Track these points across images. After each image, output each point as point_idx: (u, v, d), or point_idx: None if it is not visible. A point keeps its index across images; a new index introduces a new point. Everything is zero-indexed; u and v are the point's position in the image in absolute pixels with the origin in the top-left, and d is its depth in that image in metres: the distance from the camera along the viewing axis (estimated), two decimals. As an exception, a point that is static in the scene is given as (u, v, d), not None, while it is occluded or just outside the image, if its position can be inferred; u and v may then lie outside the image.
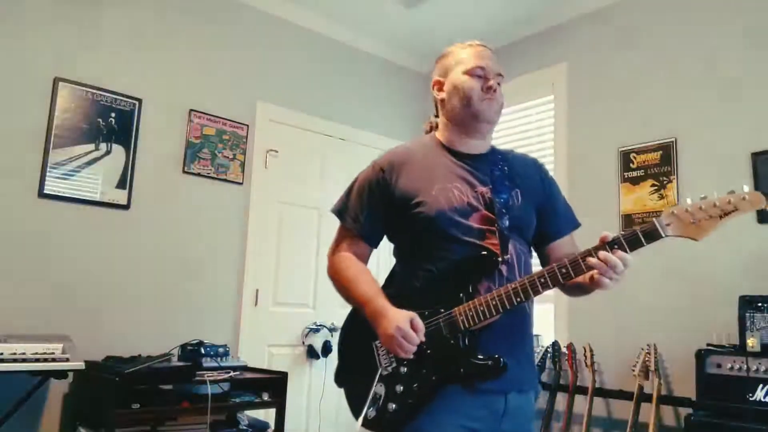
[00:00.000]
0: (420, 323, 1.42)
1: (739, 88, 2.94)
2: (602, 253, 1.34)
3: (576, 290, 1.53)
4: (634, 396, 2.85)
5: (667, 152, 3.15)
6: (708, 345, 2.63)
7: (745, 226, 2.79)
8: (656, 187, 3.17)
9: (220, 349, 3.03)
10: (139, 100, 3.23)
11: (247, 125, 3.64)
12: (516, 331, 1.51)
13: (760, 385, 2.36)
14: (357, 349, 1.55)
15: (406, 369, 1.45)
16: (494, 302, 1.40)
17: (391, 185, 1.56)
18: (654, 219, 1.32)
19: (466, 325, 1.42)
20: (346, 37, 4.16)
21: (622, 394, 2.99)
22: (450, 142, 1.61)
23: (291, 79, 3.87)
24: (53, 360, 2.38)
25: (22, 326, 2.68)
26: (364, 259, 1.64)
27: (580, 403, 3.10)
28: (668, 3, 3.27)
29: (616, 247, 1.35)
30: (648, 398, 2.82)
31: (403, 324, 1.39)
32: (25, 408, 2.57)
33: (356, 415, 1.49)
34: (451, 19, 3.95)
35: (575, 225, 1.67)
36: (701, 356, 2.54)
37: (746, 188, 1.28)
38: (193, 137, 3.41)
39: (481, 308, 1.41)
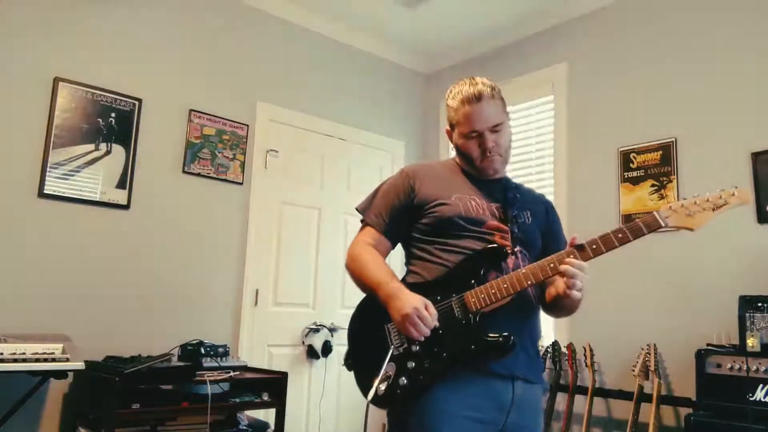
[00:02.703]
0: (433, 308, 1.50)
1: (739, 88, 2.94)
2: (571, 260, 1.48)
3: (557, 309, 1.66)
4: (634, 396, 2.85)
5: (667, 152, 3.15)
6: (708, 345, 2.63)
7: (745, 226, 2.79)
8: (656, 187, 3.17)
9: (220, 349, 3.03)
10: (139, 100, 3.23)
11: (247, 125, 3.64)
12: (523, 319, 1.60)
13: (760, 385, 2.36)
14: (368, 332, 1.61)
15: (417, 347, 1.52)
16: (505, 285, 1.50)
17: (415, 189, 1.69)
18: (654, 212, 1.48)
19: (477, 307, 1.51)
20: (346, 37, 4.16)
21: (622, 394, 3.00)
22: (468, 169, 1.74)
23: (291, 79, 3.87)
24: (53, 360, 2.38)
25: (22, 326, 2.68)
26: (382, 254, 1.71)
27: (580, 403, 3.10)
28: (668, 3, 3.27)
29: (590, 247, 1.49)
30: (648, 398, 2.82)
31: (419, 305, 1.47)
32: (25, 408, 2.57)
33: (366, 393, 1.52)
34: (451, 19, 3.96)
35: None
36: (701, 356, 2.54)
37: (735, 186, 1.46)
38: (193, 137, 3.41)
39: (493, 291, 1.50)
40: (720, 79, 3.01)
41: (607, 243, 1.48)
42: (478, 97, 1.64)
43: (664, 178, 3.14)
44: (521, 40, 3.99)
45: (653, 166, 3.19)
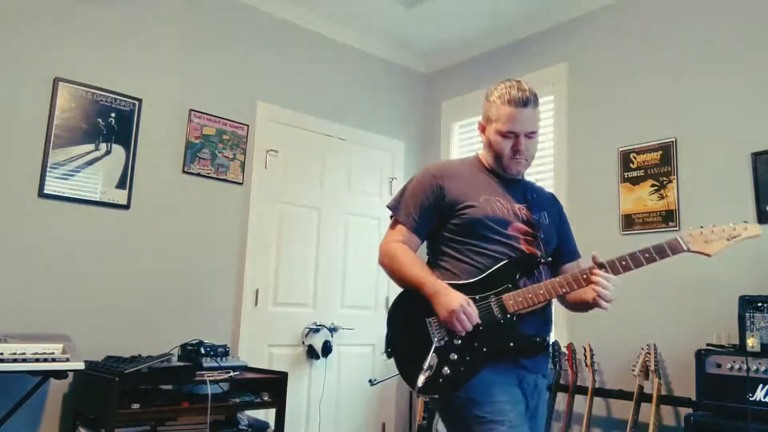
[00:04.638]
0: (474, 306, 1.65)
1: (739, 88, 2.94)
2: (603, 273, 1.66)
3: (580, 306, 1.81)
4: (634, 396, 2.85)
5: (667, 152, 3.15)
6: (708, 345, 2.63)
7: (745, 226, 2.79)
8: (656, 187, 3.17)
9: (220, 349, 3.03)
10: (139, 100, 3.23)
11: (247, 125, 3.64)
12: (545, 320, 1.77)
13: (760, 385, 2.36)
14: (408, 325, 1.74)
15: (459, 341, 1.65)
16: (542, 291, 1.66)
17: (444, 189, 1.79)
18: (677, 237, 1.68)
19: (516, 308, 1.66)
20: (346, 37, 4.16)
21: (622, 394, 3.00)
22: (491, 166, 1.86)
23: (291, 79, 3.87)
24: (53, 360, 2.38)
25: (22, 326, 2.68)
26: (414, 250, 1.82)
27: (580, 403, 3.10)
28: (668, 3, 3.27)
29: (625, 263, 1.67)
30: (648, 398, 2.82)
31: (464, 302, 1.63)
32: (25, 408, 2.57)
33: (409, 381, 1.67)
34: (451, 19, 3.96)
35: (579, 256, 1.95)
36: (701, 356, 2.54)
37: (745, 221, 1.70)
38: (193, 137, 3.41)
39: (530, 295, 1.66)
40: (720, 79, 3.01)
41: (635, 261, 1.65)
42: (525, 103, 1.75)
43: (664, 178, 3.14)
44: (521, 40, 3.99)
45: (653, 166, 3.19)
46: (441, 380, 1.62)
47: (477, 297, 1.67)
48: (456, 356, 1.64)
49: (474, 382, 1.62)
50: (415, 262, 1.76)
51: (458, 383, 1.63)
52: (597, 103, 3.51)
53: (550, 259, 1.78)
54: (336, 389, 3.87)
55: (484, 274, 1.70)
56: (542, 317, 1.74)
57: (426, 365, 1.59)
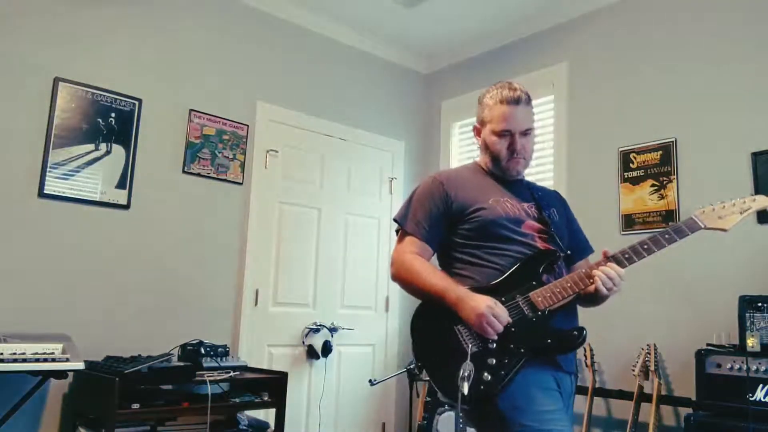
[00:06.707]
0: (502, 306, 1.62)
1: (739, 88, 2.93)
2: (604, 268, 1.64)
3: (588, 301, 1.78)
4: (634, 396, 2.85)
5: (667, 152, 3.15)
6: (708, 345, 2.63)
7: (745, 226, 2.78)
8: (656, 187, 3.17)
9: (220, 349, 3.03)
10: (139, 100, 3.23)
11: (247, 125, 3.64)
12: (574, 314, 1.76)
13: (760, 385, 2.36)
14: (437, 335, 1.69)
15: (495, 345, 1.61)
16: (569, 284, 1.65)
17: (451, 195, 1.78)
18: (692, 216, 1.70)
19: (546, 305, 1.64)
20: (346, 37, 4.16)
21: (622, 394, 3.00)
22: (491, 169, 1.86)
23: (291, 79, 3.87)
24: (53, 360, 2.38)
25: (22, 326, 2.68)
26: (427, 260, 1.79)
27: (580, 403, 3.09)
28: (669, 3, 3.27)
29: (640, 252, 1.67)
30: (648, 398, 2.82)
31: (492, 303, 1.59)
32: (25, 408, 2.57)
33: (448, 394, 1.61)
34: (450, 19, 3.96)
35: (592, 250, 1.94)
36: (701, 356, 2.54)
37: (753, 193, 1.70)
38: (193, 137, 3.41)
39: (557, 290, 1.64)
40: (720, 79, 3.01)
41: (656, 243, 1.66)
42: (516, 101, 1.76)
43: (664, 178, 3.14)
44: (521, 39, 3.98)
45: (653, 166, 3.19)
46: (482, 387, 1.56)
47: (503, 299, 1.64)
48: (494, 360, 1.59)
49: (515, 385, 1.57)
50: (433, 272, 1.72)
51: (500, 387, 1.58)
52: (597, 103, 3.51)
53: (568, 252, 1.77)
54: (336, 389, 3.87)
55: (506, 275, 1.68)
56: (570, 311, 1.72)
57: (464, 374, 1.50)
